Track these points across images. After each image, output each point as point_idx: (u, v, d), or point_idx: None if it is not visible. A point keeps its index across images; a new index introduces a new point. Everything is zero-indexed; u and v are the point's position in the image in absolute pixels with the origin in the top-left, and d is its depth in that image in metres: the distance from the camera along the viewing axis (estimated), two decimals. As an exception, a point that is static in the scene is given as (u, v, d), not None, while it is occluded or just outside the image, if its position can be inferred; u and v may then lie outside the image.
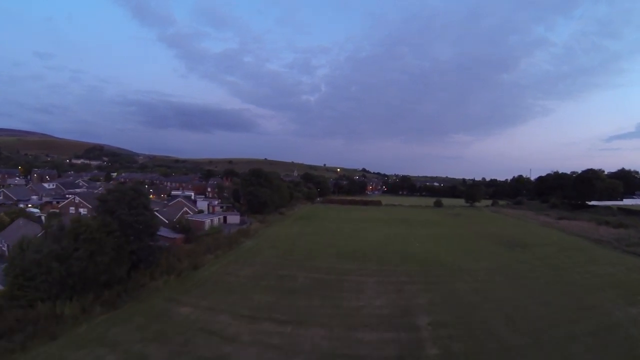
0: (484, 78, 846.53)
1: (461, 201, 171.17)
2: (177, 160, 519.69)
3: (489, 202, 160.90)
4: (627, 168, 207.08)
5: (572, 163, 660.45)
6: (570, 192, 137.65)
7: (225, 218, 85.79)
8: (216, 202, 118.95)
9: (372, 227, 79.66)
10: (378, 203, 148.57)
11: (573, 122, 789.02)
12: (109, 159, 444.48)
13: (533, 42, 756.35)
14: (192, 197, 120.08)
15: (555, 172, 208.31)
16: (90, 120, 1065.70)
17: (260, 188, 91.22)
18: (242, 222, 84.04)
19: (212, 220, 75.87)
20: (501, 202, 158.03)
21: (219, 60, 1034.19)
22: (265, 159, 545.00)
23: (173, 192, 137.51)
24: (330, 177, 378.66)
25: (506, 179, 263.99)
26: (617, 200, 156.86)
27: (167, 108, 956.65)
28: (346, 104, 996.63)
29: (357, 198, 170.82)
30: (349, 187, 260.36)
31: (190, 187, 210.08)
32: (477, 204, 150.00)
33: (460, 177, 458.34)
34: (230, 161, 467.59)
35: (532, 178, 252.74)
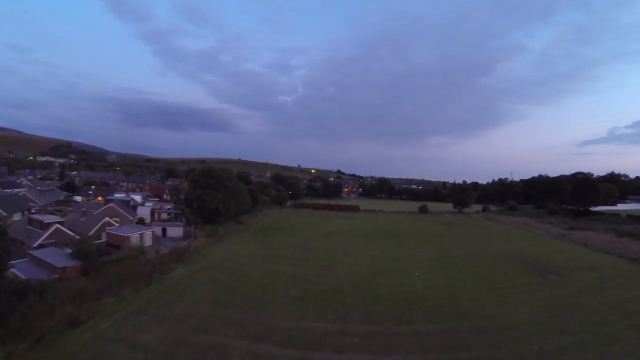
0: (463, 81, 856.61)
1: (447, 206, 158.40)
2: (149, 160, 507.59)
3: (478, 207, 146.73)
4: (598, 172, 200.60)
5: (548, 166, 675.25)
6: (567, 197, 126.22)
7: (164, 230, 67.51)
8: (168, 207, 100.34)
9: (352, 244, 62.39)
10: (356, 208, 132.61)
11: (549, 126, 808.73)
12: (76, 157, 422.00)
13: (512, 48, 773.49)
14: (135, 201, 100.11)
15: (541, 176, 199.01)
16: (65, 117, 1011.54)
17: (211, 191, 72.97)
18: (186, 236, 66.14)
19: (142, 235, 57.30)
20: (492, 208, 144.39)
21: (198, 58, 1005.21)
22: (240, 159, 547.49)
23: (116, 195, 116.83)
24: (304, 178, 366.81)
25: (487, 182, 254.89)
26: (611, 205, 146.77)
27: (145, 106, 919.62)
28: (323, 105, 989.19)
29: (332, 202, 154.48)
30: (323, 189, 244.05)
31: (147, 188, 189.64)
32: (466, 209, 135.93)
33: (437, 180, 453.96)
34: (203, 161, 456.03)
35: (515, 181, 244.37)
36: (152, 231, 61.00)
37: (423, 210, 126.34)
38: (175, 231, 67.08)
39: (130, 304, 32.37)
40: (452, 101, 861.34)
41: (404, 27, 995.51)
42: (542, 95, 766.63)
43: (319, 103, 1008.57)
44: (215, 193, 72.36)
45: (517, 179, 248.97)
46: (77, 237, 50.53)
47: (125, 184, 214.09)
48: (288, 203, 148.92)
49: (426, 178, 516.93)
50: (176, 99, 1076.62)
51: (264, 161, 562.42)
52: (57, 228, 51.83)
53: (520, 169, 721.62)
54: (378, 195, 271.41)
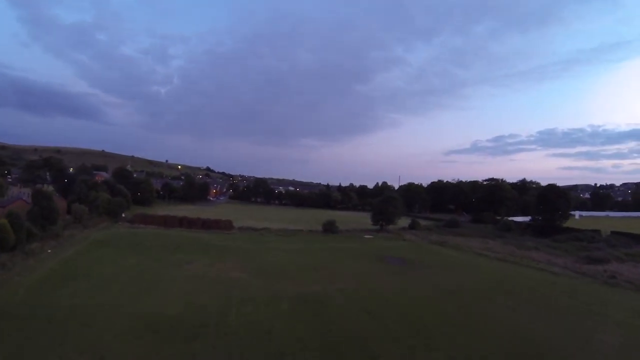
0: (340, 86, 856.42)
1: (349, 217, 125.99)
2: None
3: (404, 220, 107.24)
4: (462, 178, 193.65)
5: (418, 172, 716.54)
6: (512, 208, 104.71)
7: None
8: None
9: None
10: (227, 225, 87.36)
11: (420, 135, 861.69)
12: None
13: (392, 60, 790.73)
14: None
15: (448, 181, 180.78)
16: None
17: None
18: None
19: None
20: (423, 222, 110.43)
21: (70, 32, 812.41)
22: (103, 150, 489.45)
23: None
24: (169, 175, 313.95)
25: (374, 186, 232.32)
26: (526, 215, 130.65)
27: (1, 82, 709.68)
28: (197, 99, 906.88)
29: (194, 213, 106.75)
30: (185, 191, 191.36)
31: None
32: (391, 226, 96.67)
33: (308, 181, 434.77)
34: (58, 150, 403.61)
35: (396, 186, 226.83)
36: None
37: (330, 228, 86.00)
38: None
39: None
40: (327, 104, 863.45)
41: (287, 27, 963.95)
42: (416, 106, 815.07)
43: (194, 97, 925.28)
44: None
45: (394, 184, 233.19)
46: None
47: None
48: (124, 215, 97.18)
49: (297, 179, 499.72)
50: (40, 77, 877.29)
51: (130, 154, 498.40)
52: None
53: (391, 173, 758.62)
54: (253, 199, 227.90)
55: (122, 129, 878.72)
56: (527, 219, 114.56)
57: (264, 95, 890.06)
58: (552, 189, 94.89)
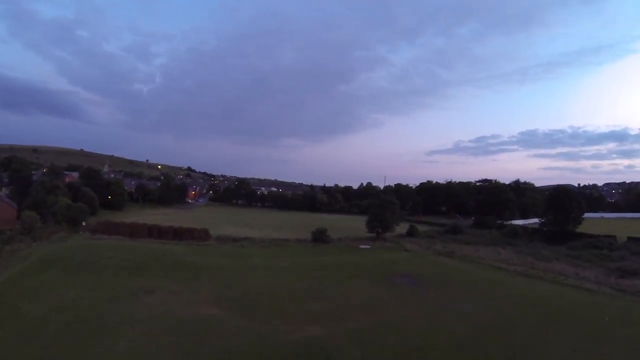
0: (323, 86, 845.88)
1: (338, 221, 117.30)
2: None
3: (401, 226, 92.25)
4: (444, 178, 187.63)
5: (400, 172, 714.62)
6: (514, 211, 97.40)
7: None
8: None
9: None
10: (203, 234, 76.58)
11: (402, 135, 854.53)
12: None
13: (376, 60, 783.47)
14: None
15: (438, 182, 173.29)
16: None
17: None
18: None
19: None
20: (420, 228, 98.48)
21: (50, 28, 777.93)
22: (82, 149, 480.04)
23: None
24: (148, 176, 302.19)
25: (359, 187, 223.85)
26: (524, 219, 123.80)
27: None
28: (179, 98, 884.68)
29: (167, 222, 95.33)
30: (161, 192, 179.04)
31: None
32: (388, 233, 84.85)
33: (290, 181, 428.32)
34: (35, 149, 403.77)
35: (381, 186, 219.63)
36: None
37: (320, 237, 75.10)
38: None
39: None
40: (310, 104, 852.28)
41: (271, 26, 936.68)
42: (399, 106, 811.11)
43: (176, 95, 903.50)
44: None
45: (379, 184, 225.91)
46: None
47: None
48: (84, 223, 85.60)
49: (279, 179, 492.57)
50: (19, 74, 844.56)
51: (109, 154, 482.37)
52: None
53: (374, 174, 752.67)
54: (234, 202, 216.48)
55: (103, 128, 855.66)
56: (528, 222, 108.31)
57: (247, 94, 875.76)
58: (564, 191, 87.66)
